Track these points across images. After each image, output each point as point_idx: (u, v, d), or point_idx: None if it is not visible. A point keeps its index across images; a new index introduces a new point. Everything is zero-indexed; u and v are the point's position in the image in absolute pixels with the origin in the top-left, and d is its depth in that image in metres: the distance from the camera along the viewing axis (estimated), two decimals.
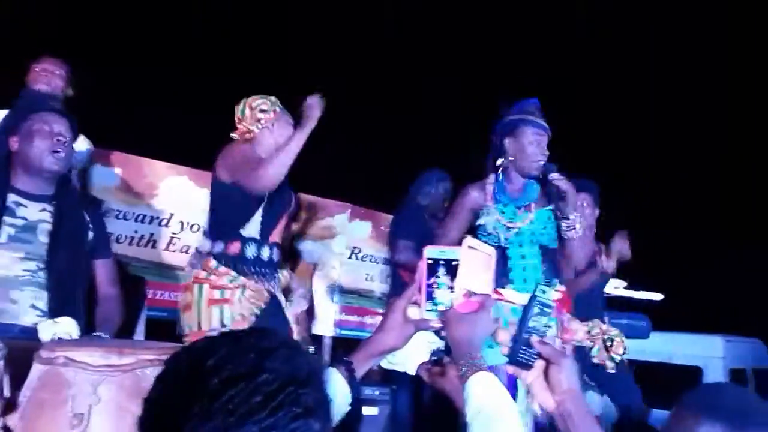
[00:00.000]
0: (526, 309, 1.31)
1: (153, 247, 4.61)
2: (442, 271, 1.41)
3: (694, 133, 9.84)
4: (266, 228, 2.88)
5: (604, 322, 3.39)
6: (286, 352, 0.88)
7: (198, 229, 4.79)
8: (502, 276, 2.67)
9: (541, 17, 9.40)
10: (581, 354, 3.46)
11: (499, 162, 2.84)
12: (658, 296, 6.56)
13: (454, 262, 1.40)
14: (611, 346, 3.28)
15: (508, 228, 2.74)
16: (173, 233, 4.69)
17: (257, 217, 2.85)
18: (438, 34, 9.39)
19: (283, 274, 3.08)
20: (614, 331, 3.34)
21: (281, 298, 3.00)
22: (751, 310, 8.32)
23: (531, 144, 2.76)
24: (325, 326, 5.16)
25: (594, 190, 3.70)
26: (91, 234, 2.56)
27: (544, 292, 1.33)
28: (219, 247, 2.83)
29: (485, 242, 2.78)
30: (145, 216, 4.61)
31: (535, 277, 2.78)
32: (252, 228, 2.84)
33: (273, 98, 3.06)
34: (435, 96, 9.20)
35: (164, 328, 4.42)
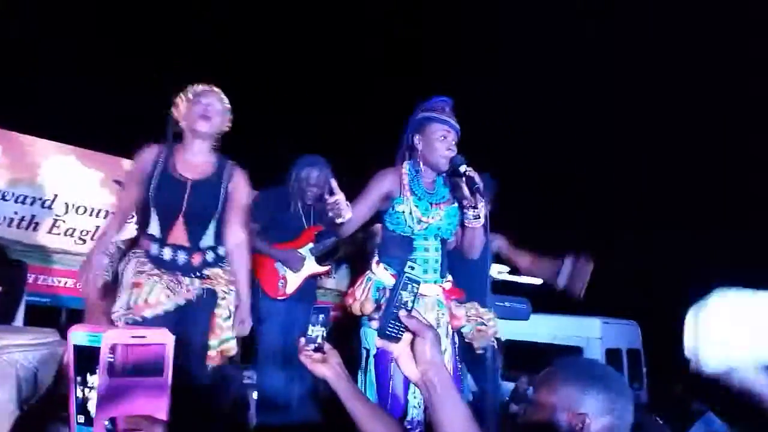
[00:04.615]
0: (396, 285, 1.37)
1: (35, 229, 4.40)
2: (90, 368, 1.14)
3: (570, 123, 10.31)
4: (163, 229, 2.85)
5: (483, 306, 3.55)
6: None
7: (84, 212, 4.61)
8: (403, 262, 2.76)
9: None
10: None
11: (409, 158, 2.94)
12: (538, 281, 6.93)
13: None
14: (479, 331, 3.44)
15: (420, 221, 2.83)
16: (57, 215, 4.49)
17: (154, 216, 2.85)
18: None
19: (214, 273, 2.95)
20: (488, 316, 3.50)
21: (219, 295, 2.95)
22: (628, 294, 8.93)
23: (438, 140, 2.86)
24: None
25: (489, 184, 3.87)
26: None
27: (412, 268, 1.39)
28: (138, 240, 2.90)
29: (392, 230, 2.85)
30: (26, 197, 4.39)
31: (435, 268, 2.88)
32: (153, 227, 2.85)
33: (189, 89, 2.98)
34: (313, 77, 9.15)
35: (46, 314, 4.25)
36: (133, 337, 1.24)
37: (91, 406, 1.15)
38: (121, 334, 1.23)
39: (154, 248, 2.81)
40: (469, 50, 9.50)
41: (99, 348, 1.15)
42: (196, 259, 2.86)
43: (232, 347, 2.98)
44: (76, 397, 1.17)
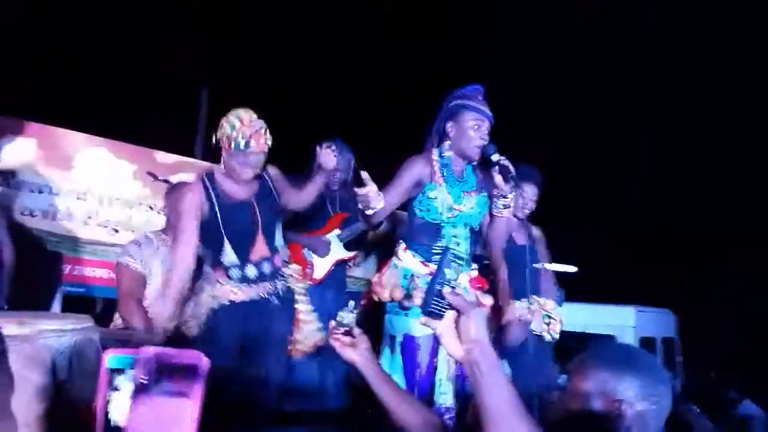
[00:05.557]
0: (440, 262, 1.34)
1: (69, 221, 4.48)
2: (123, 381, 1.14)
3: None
4: (242, 251, 2.95)
5: (539, 296, 3.60)
6: None
7: (118, 204, 4.68)
8: (431, 248, 2.75)
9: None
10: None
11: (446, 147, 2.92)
12: (572, 269, 6.85)
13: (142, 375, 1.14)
14: (549, 324, 3.51)
15: (452, 209, 2.80)
16: (91, 207, 4.56)
17: (227, 246, 2.94)
18: None
19: (292, 268, 3.13)
20: (550, 305, 3.54)
21: (297, 291, 3.10)
22: (661, 282, 8.78)
23: (471, 129, 2.83)
24: None
25: (535, 175, 3.88)
26: None
27: (458, 244, 1.35)
28: (210, 274, 3.01)
29: (421, 217, 2.84)
30: (61, 189, 4.46)
31: (462, 257, 2.85)
32: (228, 256, 2.95)
33: (245, 119, 2.92)
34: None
35: (81, 303, 4.33)
36: (166, 356, 1.24)
37: (119, 424, 1.17)
38: (153, 353, 1.23)
39: (234, 273, 2.93)
40: (468, 49, 9.47)
41: (131, 369, 1.18)
42: (278, 261, 3.03)
43: (320, 338, 3.10)
44: (106, 415, 1.19)
